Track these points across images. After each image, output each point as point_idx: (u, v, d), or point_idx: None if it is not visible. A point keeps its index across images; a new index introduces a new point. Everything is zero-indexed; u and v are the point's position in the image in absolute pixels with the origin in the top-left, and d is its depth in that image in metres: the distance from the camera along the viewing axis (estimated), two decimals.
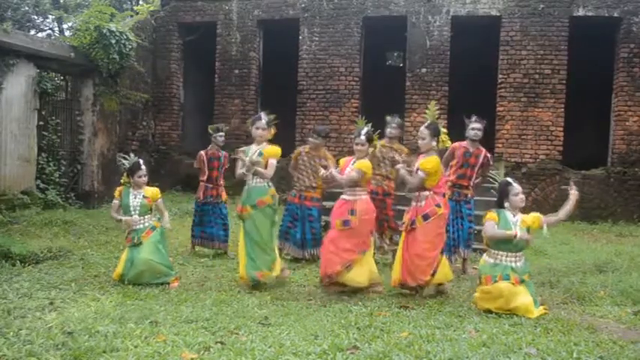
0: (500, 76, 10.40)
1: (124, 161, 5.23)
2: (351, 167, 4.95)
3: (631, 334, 3.88)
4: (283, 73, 12.53)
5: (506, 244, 4.42)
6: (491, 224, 4.46)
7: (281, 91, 12.55)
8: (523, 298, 4.32)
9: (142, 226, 5.10)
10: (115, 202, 5.20)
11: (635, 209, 9.84)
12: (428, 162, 4.77)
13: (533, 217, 4.53)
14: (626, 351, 3.46)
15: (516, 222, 4.45)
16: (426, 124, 4.95)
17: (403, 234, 4.97)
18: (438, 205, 4.80)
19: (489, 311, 4.37)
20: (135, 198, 5.11)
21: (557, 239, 7.92)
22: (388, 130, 6.36)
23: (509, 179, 4.64)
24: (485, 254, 4.62)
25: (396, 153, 6.27)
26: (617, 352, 3.43)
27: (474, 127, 5.94)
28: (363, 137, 4.97)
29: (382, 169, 6.25)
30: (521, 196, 4.53)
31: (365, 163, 4.93)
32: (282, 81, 12.66)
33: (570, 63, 10.18)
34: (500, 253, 4.44)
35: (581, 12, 10.08)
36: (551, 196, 10.12)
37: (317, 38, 11.06)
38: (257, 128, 5.08)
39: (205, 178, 6.68)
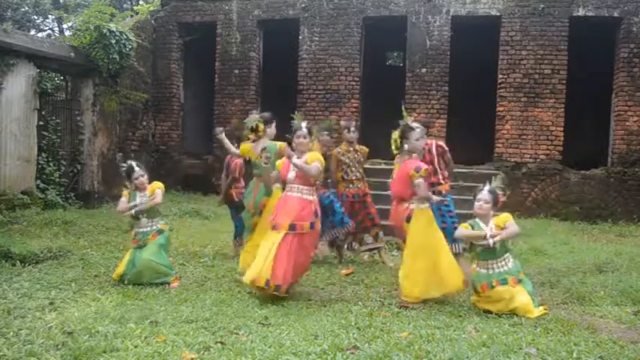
0: (500, 76, 10.40)
1: (122, 169, 5.29)
2: (302, 161, 4.65)
3: (631, 334, 3.88)
4: (283, 73, 12.54)
5: (489, 252, 4.38)
6: (460, 230, 4.46)
7: (281, 91, 12.56)
8: (522, 297, 4.32)
9: (149, 228, 5.10)
10: (123, 199, 5.13)
11: (635, 209, 9.84)
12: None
13: (504, 216, 4.51)
14: (626, 351, 3.46)
15: (490, 230, 4.43)
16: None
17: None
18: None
19: (489, 311, 4.37)
20: (141, 200, 5.09)
21: (557, 239, 7.92)
22: (349, 135, 6.40)
23: (487, 186, 4.57)
24: (474, 265, 4.59)
25: (358, 154, 6.40)
26: (617, 352, 3.43)
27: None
28: (305, 130, 4.83)
29: (356, 172, 6.34)
30: (480, 203, 4.45)
31: (317, 155, 4.76)
32: (282, 81, 12.67)
33: (570, 63, 10.18)
34: (488, 262, 4.42)
35: (581, 12, 10.09)
36: (551, 196, 10.12)
37: (317, 38, 11.06)
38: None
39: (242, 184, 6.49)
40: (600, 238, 8.45)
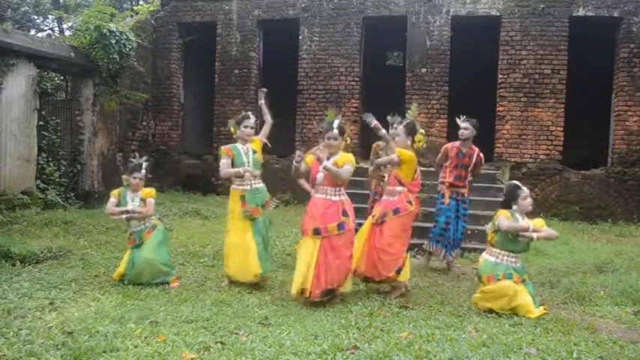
0: (500, 76, 10.40)
1: (133, 160, 5.29)
2: (332, 162, 4.54)
3: (631, 334, 3.89)
4: (283, 73, 12.54)
5: (512, 244, 4.43)
6: (504, 218, 4.45)
7: (281, 91, 12.55)
8: (524, 296, 4.35)
9: (142, 227, 5.11)
10: (113, 199, 5.12)
11: (635, 209, 9.84)
12: (405, 153, 4.83)
13: (539, 220, 4.60)
14: (626, 351, 3.46)
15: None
16: (404, 122, 5.06)
17: (369, 225, 4.95)
18: (410, 202, 4.85)
19: (490, 311, 4.37)
20: (132, 201, 5.10)
21: (557, 239, 7.91)
22: (392, 132, 6.34)
23: (517, 182, 4.67)
24: (485, 253, 4.63)
25: None
26: (617, 352, 3.44)
27: (461, 126, 6.08)
28: (335, 130, 4.57)
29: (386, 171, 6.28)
30: (530, 200, 4.56)
31: (349, 155, 4.64)
32: (282, 81, 12.67)
33: (570, 63, 10.18)
34: (503, 252, 4.46)
35: (581, 12, 10.08)
36: (551, 196, 10.12)
37: (317, 38, 11.06)
38: (245, 127, 5.16)
39: None
40: (600, 238, 8.45)
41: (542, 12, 10.18)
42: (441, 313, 4.36)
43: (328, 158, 4.59)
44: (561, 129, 10.18)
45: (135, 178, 5.11)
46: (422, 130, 5.13)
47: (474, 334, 3.74)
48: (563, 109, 10.16)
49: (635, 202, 9.87)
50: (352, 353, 3.27)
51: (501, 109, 10.38)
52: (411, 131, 4.96)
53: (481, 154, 6.17)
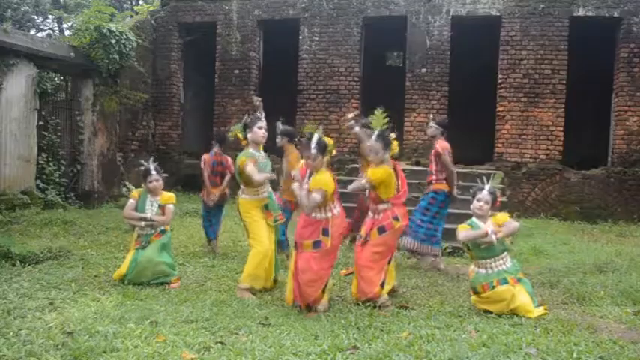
0: (500, 76, 10.40)
1: (143, 165, 5.16)
2: (306, 184, 4.25)
3: (631, 334, 3.88)
4: (283, 73, 12.54)
5: (488, 250, 4.39)
6: (460, 231, 4.39)
7: (281, 91, 12.56)
8: (522, 297, 4.33)
9: (152, 230, 5.05)
10: (132, 201, 5.05)
11: (635, 209, 9.85)
12: (376, 172, 4.42)
13: (501, 215, 4.54)
14: (626, 351, 3.46)
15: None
16: (374, 135, 4.47)
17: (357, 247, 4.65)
18: (396, 219, 4.51)
19: (489, 311, 4.37)
20: (151, 206, 5.04)
21: (557, 239, 7.92)
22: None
23: (482, 185, 4.54)
24: (472, 265, 4.58)
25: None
26: (617, 352, 3.43)
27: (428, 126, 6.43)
28: (314, 150, 4.16)
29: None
30: (479, 204, 4.42)
31: (324, 179, 4.20)
32: (282, 81, 12.67)
33: (570, 63, 10.18)
34: (487, 261, 4.41)
35: (581, 12, 10.09)
36: (551, 196, 10.12)
37: (317, 38, 11.07)
38: (260, 128, 4.98)
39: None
40: (600, 238, 8.45)
41: (542, 12, 10.19)
42: (441, 313, 4.35)
43: (309, 176, 4.32)
44: (561, 129, 10.19)
45: (150, 182, 5.02)
46: (393, 135, 4.70)
47: (474, 334, 3.74)
48: (563, 109, 10.17)
49: (635, 202, 9.88)
50: (352, 353, 3.27)
51: (501, 109, 10.38)
52: (387, 143, 4.52)
53: (438, 145, 6.05)
